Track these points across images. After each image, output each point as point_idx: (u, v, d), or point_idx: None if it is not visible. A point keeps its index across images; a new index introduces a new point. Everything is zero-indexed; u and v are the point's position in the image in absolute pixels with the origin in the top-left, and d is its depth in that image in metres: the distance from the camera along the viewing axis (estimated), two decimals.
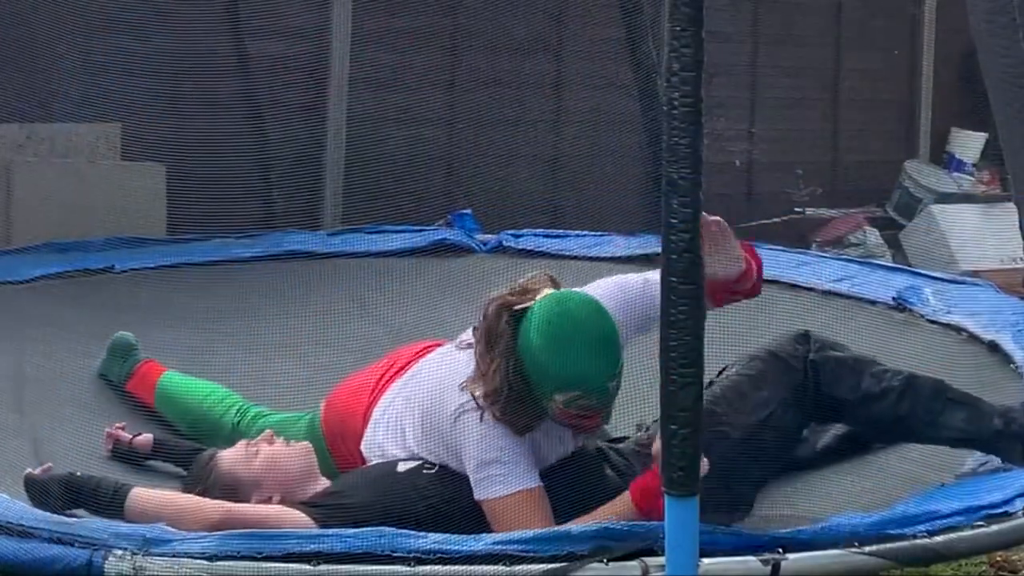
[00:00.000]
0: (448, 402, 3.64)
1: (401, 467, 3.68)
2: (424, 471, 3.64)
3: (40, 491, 3.55)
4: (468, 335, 3.72)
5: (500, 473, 3.53)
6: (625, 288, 3.78)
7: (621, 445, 3.81)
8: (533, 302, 3.54)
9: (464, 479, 3.58)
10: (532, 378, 3.50)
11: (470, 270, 5.64)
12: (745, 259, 3.70)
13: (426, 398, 3.73)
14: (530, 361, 3.50)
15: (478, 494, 3.54)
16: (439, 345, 3.99)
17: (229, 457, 3.78)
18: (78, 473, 3.60)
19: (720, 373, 3.78)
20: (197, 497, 3.61)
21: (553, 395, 3.49)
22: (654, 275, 3.71)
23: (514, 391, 3.52)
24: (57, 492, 3.53)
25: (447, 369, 3.72)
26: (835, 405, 3.78)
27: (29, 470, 3.64)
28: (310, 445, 3.87)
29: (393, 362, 4.02)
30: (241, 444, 3.82)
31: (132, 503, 3.50)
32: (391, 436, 3.80)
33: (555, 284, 3.65)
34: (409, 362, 3.96)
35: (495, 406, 3.54)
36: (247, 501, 3.65)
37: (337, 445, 3.97)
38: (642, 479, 3.42)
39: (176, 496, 3.63)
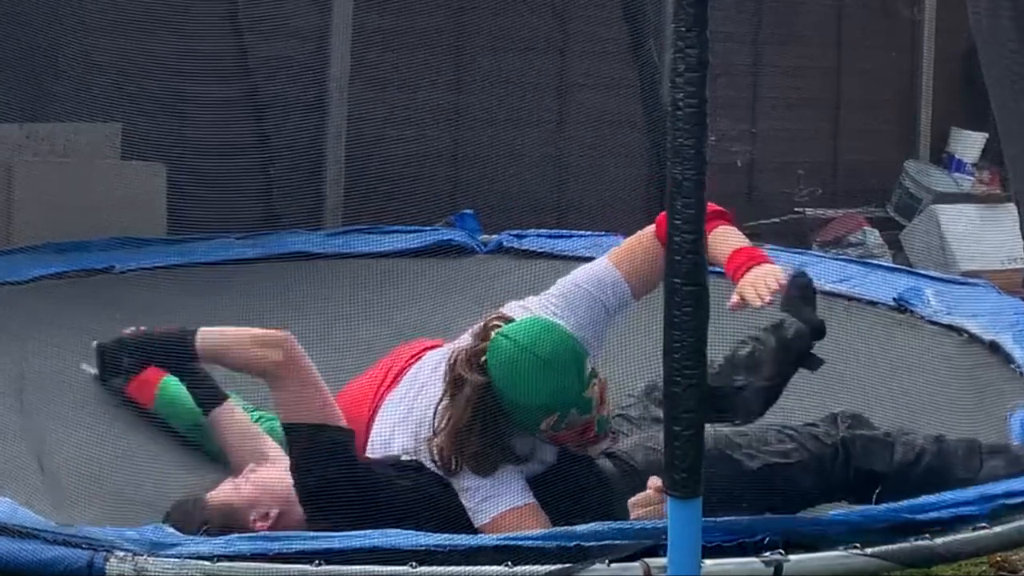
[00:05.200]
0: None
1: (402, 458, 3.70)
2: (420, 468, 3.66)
3: (112, 356, 3.59)
4: (467, 339, 3.73)
5: (489, 496, 3.56)
6: (583, 284, 3.82)
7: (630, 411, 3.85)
8: (486, 345, 3.57)
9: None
10: (513, 416, 3.54)
11: (472, 271, 5.64)
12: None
13: (416, 417, 3.74)
14: (505, 402, 3.54)
15: (475, 521, 3.57)
16: (436, 346, 3.99)
17: (217, 495, 3.70)
18: (142, 328, 3.70)
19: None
20: (256, 331, 3.65)
21: (538, 425, 3.53)
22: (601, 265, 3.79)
23: (471, 441, 3.55)
24: (129, 353, 3.66)
25: (438, 385, 3.72)
26: (871, 479, 3.77)
27: (97, 342, 3.77)
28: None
29: (391, 367, 3.99)
30: (227, 482, 3.77)
31: (201, 340, 3.63)
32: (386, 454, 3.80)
33: (506, 320, 3.67)
34: (405, 367, 3.94)
35: (453, 459, 3.57)
36: (247, 526, 3.60)
37: None
38: None
39: (238, 331, 3.68)
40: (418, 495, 3.58)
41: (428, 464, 3.66)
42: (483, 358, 3.57)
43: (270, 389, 3.71)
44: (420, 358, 3.95)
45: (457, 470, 3.58)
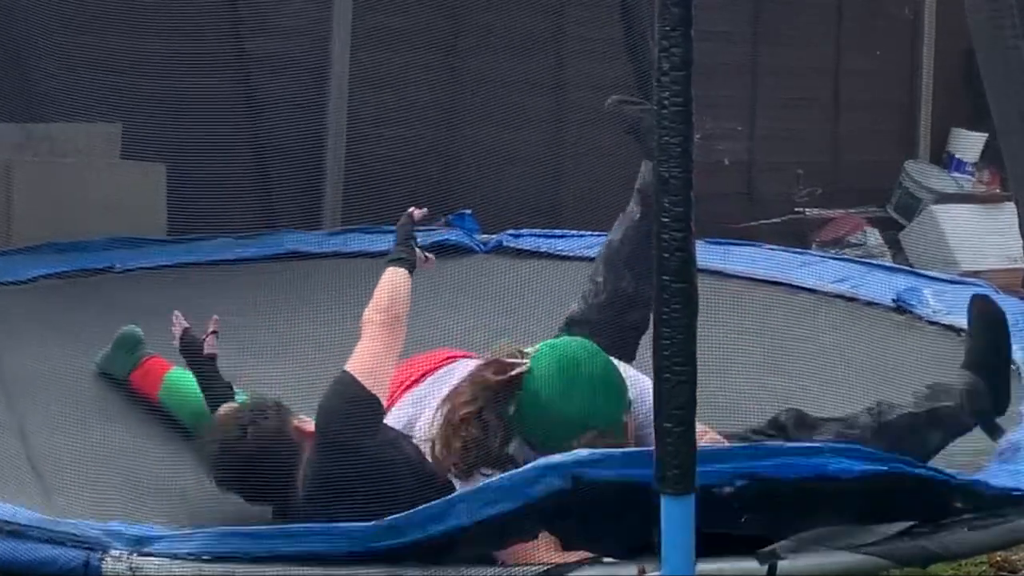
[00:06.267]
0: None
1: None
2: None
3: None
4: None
5: None
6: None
7: None
8: (526, 364, 3.53)
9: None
10: (543, 432, 3.48)
11: (470, 270, 5.64)
12: None
13: (427, 407, 3.74)
14: (540, 416, 3.48)
15: None
16: (456, 357, 3.98)
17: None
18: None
19: None
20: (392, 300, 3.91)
21: (571, 442, 3.42)
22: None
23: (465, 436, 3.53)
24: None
25: (452, 384, 3.72)
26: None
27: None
28: None
29: (410, 373, 3.99)
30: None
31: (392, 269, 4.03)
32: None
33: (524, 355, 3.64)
34: (425, 374, 3.94)
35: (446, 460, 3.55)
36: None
37: None
38: None
39: (393, 290, 3.95)
40: (422, 471, 3.60)
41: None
42: (518, 369, 3.52)
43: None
44: (442, 367, 3.95)
45: (447, 466, 3.56)
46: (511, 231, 6.14)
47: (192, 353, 4.23)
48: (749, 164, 8.54)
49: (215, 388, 4.18)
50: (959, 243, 8.25)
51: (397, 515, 3.10)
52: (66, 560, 3.08)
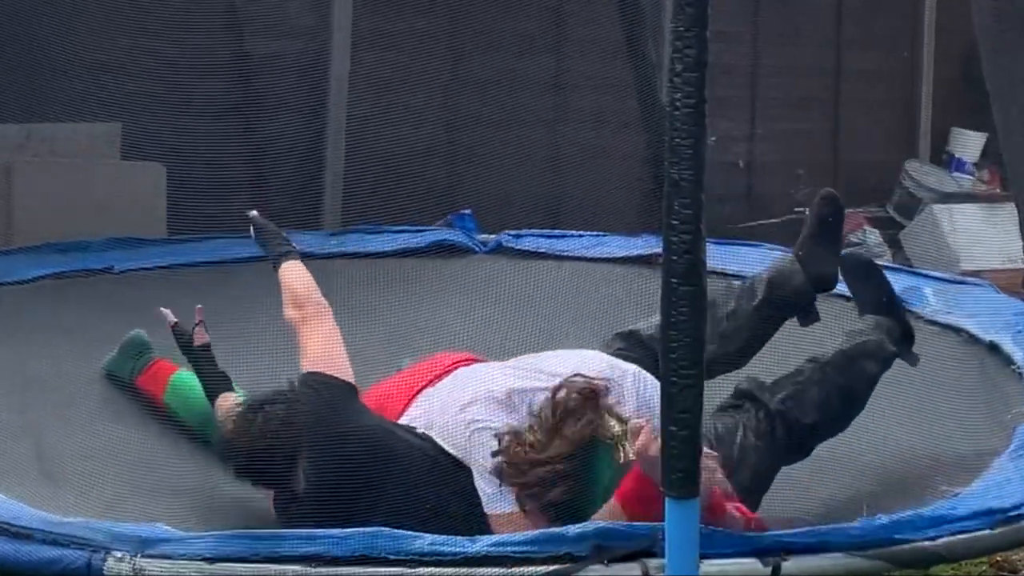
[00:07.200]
0: (468, 412, 3.68)
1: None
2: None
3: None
4: (527, 366, 3.73)
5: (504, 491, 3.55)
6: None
7: None
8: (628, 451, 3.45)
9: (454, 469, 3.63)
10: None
11: (470, 271, 5.64)
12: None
13: (449, 403, 3.75)
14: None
15: (487, 508, 3.57)
16: (475, 361, 3.99)
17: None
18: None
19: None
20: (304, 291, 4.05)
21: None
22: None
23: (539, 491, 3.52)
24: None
25: (477, 383, 3.74)
26: (807, 432, 3.89)
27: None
28: None
29: (427, 373, 4.00)
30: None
31: (282, 269, 4.15)
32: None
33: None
34: (443, 373, 3.95)
35: (515, 483, 3.55)
36: None
37: None
38: (624, 484, 3.39)
39: (300, 281, 4.10)
40: (421, 459, 3.62)
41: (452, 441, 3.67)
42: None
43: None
44: (458, 367, 3.95)
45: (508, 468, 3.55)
46: (511, 231, 6.14)
47: (185, 344, 4.28)
48: (749, 164, 8.54)
49: (212, 377, 4.22)
50: (959, 243, 8.23)
51: (407, 531, 3.12)
52: (69, 561, 3.09)
